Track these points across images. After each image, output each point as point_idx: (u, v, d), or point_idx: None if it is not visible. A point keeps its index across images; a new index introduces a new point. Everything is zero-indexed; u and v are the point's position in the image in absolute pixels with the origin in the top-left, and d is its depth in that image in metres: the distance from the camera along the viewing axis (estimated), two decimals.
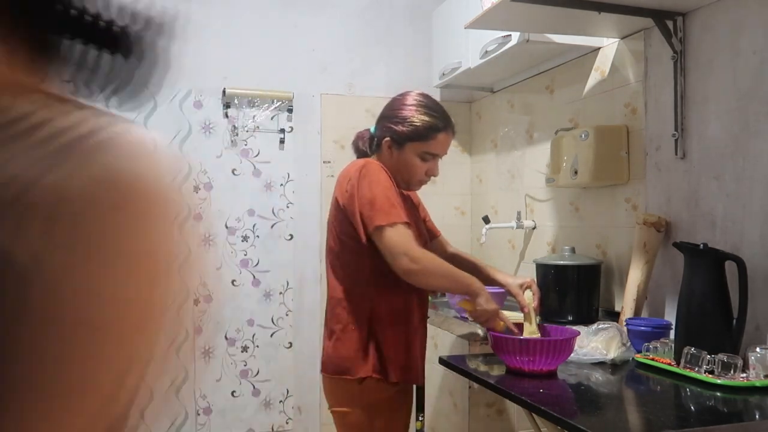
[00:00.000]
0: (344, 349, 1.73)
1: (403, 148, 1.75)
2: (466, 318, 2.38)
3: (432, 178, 1.85)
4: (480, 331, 2.20)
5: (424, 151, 1.75)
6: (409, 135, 1.74)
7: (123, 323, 0.36)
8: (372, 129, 1.83)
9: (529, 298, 1.82)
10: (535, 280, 2.43)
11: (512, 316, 2.04)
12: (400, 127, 1.74)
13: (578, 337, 1.85)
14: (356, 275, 1.74)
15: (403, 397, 1.80)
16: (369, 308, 1.73)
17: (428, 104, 1.77)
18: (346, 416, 1.74)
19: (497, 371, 1.73)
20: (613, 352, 1.80)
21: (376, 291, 1.73)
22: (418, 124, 1.73)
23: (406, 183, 1.80)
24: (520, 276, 1.96)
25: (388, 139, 1.77)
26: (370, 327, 1.73)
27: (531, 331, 1.76)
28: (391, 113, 1.79)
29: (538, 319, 1.86)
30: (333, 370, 1.75)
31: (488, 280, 1.90)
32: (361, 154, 1.86)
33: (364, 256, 1.71)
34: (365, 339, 1.72)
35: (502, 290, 1.94)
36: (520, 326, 1.80)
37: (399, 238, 1.61)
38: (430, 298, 3.01)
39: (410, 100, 1.78)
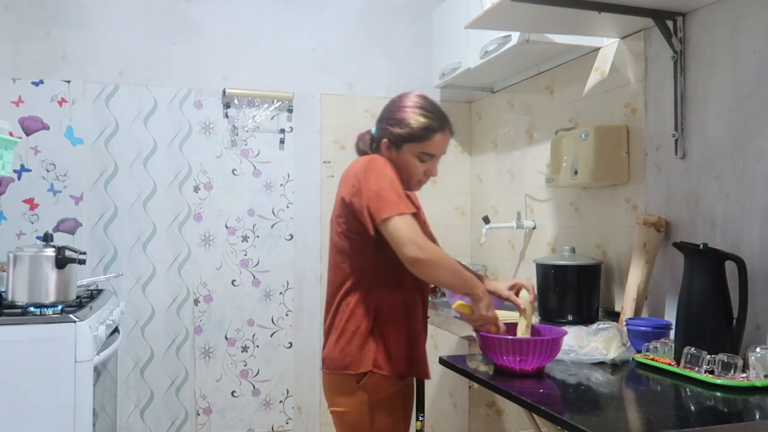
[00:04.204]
0: (347, 345, 1.73)
1: (401, 149, 1.78)
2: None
3: (432, 178, 1.86)
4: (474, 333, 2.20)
5: (422, 152, 1.77)
6: (406, 136, 1.76)
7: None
8: (373, 130, 1.85)
9: (525, 296, 1.81)
10: (535, 280, 2.43)
11: (508, 315, 2.03)
12: (397, 129, 1.77)
13: (578, 337, 1.85)
14: (361, 271, 1.75)
15: (403, 396, 1.79)
16: (373, 304, 1.74)
17: (425, 105, 1.79)
18: (344, 415, 1.74)
19: (497, 371, 1.73)
20: (613, 352, 1.80)
21: (381, 287, 1.74)
22: (414, 125, 1.75)
23: (405, 183, 1.82)
24: (506, 280, 1.96)
25: (386, 140, 1.79)
26: (374, 322, 1.73)
27: (523, 330, 1.76)
28: (388, 115, 1.82)
29: (535, 319, 1.86)
30: (334, 365, 1.75)
31: None
32: (362, 154, 1.88)
33: (369, 252, 1.72)
34: (368, 334, 1.73)
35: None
36: (512, 327, 1.79)
37: (407, 227, 1.62)
38: (429, 298, 3.02)
39: (407, 101, 1.80)
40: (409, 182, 1.82)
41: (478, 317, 1.70)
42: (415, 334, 1.77)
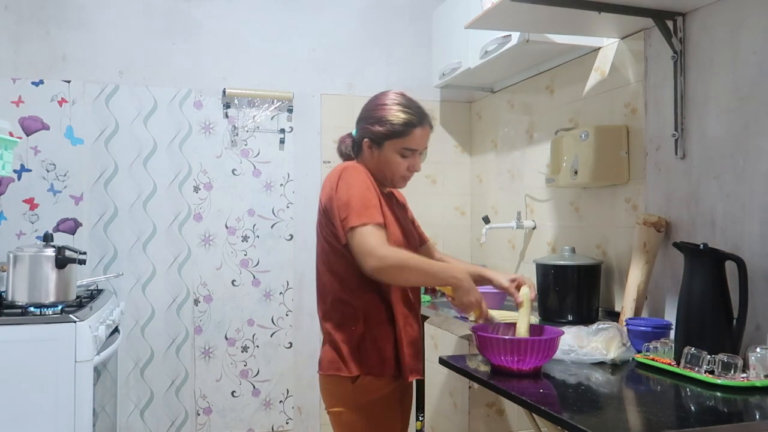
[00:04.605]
0: (338, 348, 1.75)
1: (382, 146, 1.79)
2: (460, 316, 2.37)
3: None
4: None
5: (403, 147, 1.79)
6: (387, 133, 1.77)
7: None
8: (353, 132, 1.86)
9: (525, 293, 1.81)
10: (535, 280, 2.43)
11: (507, 316, 2.03)
12: (377, 127, 1.78)
13: (578, 337, 1.85)
14: (345, 275, 1.75)
15: (399, 396, 1.79)
16: (360, 306, 1.75)
17: (403, 102, 1.81)
18: (341, 416, 1.75)
19: (494, 371, 1.72)
20: (613, 352, 1.80)
21: (366, 289, 1.75)
22: (394, 122, 1.77)
23: (390, 181, 1.83)
24: (509, 273, 1.96)
25: (367, 140, 1.81)
26: (362, 325, 1.74)
27: (523, 330, 1.75)
28: (367, 114, 1.83)
29: (533, 319, 1.85)
30: (327, 368, 1.76)
31: (478, 279, 1.90)
32: (345, 157, 1.90)
33: (350, 255, 1.72)
34: (358, 337, 1.74)
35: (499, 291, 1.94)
36: (511, 326, 1.79)
37: (365, 239, 1.62)
38: (430, 298, 3.02)
39: (386, 99, 1.82)
40: (393, 179, 1.83)
41: (459, 303, 1.71)
42: (400, 334, 1.77)
